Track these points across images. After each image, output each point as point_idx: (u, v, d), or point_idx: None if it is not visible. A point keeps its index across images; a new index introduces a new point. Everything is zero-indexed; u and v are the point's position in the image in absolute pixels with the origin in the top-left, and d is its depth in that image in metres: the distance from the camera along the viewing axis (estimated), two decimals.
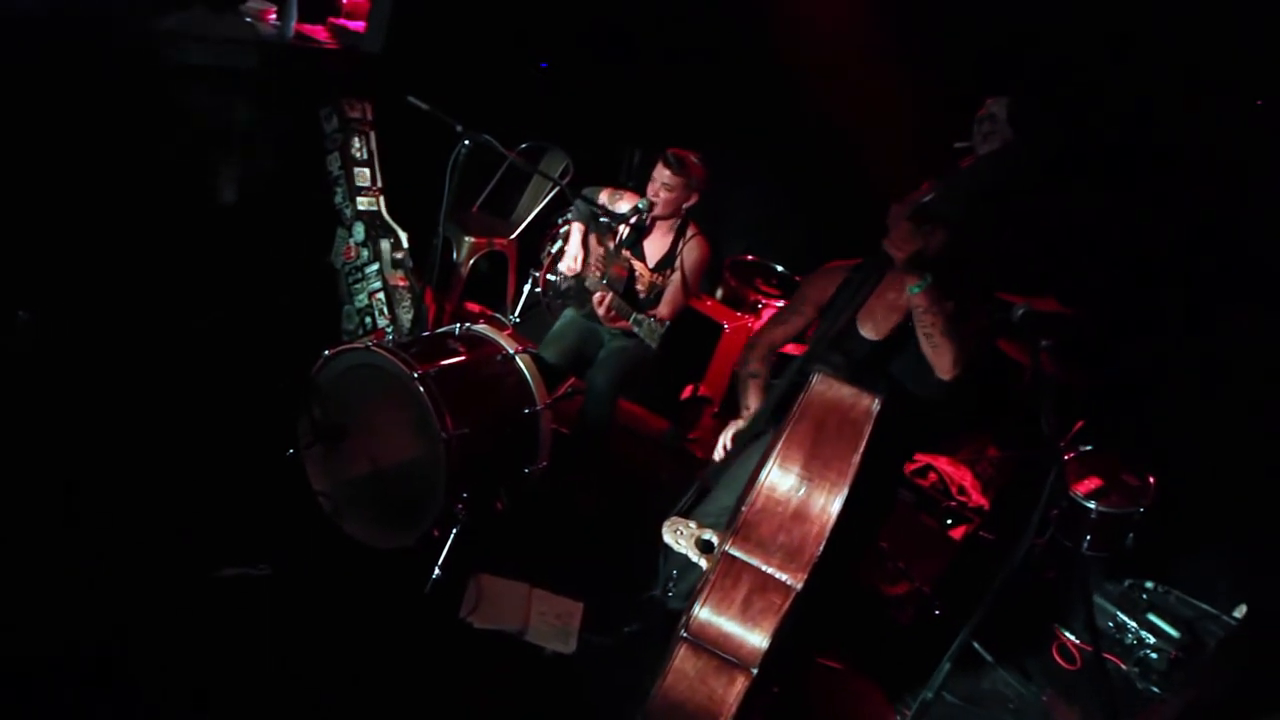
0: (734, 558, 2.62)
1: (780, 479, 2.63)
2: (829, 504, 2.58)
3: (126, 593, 3.12)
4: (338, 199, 4.97)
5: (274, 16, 5.23)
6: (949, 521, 5.23)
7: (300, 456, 3.77)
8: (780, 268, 6.38)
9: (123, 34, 4.13)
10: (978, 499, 5.35)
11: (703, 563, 2.73)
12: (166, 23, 4.32)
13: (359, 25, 5.55)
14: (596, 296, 4.08)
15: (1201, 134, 4.76)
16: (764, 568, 2.58)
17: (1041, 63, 4.96)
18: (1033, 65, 4.99)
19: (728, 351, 5.58)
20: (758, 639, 2.56)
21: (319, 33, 5.36)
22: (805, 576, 2.55)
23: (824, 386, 2.73)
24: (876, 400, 2.69)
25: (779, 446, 2.64)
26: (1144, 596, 4.60)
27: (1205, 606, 4.54)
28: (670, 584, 3.26)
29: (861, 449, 2.61)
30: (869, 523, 3.36)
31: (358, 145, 4.94)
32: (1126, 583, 4.65)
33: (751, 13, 6.19)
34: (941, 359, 2.99)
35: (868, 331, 3.17)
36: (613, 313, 4.06)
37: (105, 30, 4.04)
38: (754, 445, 3.17)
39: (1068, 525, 4.52)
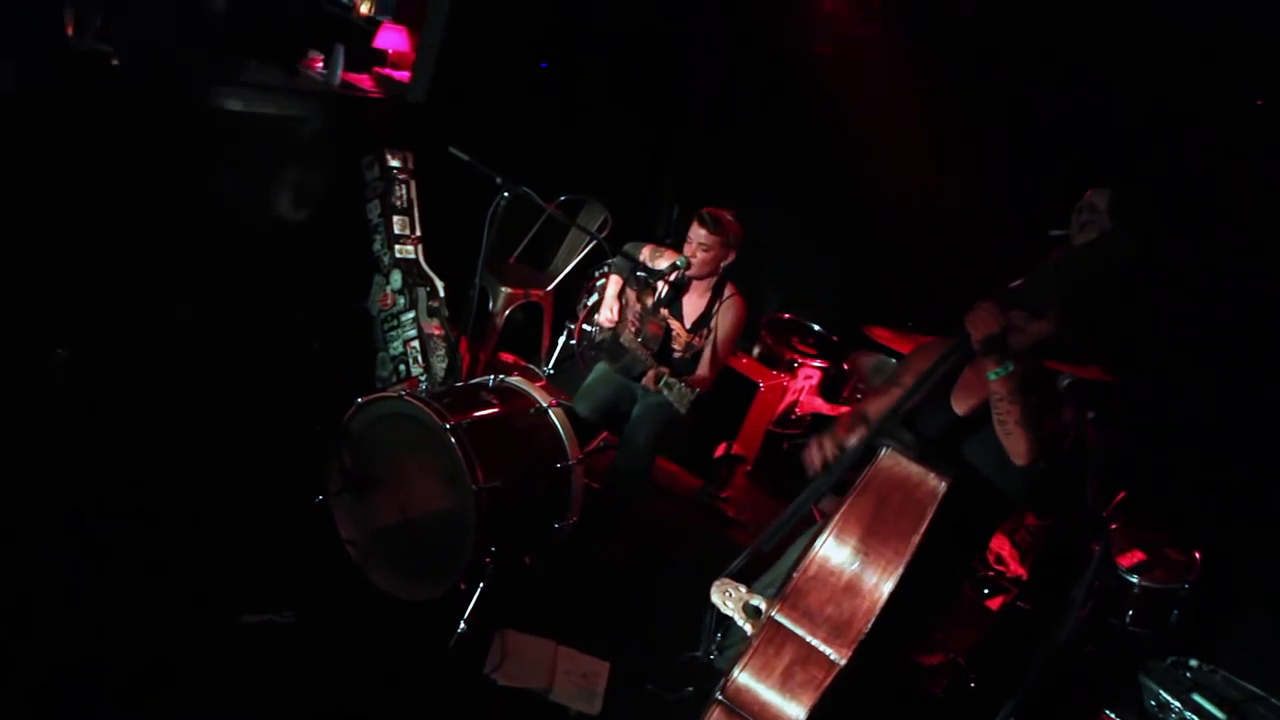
0: (779, 624, 2.56)
1: (835, 550, 2.57)
2: (882, 582, 2.52)
3: (151, 635, 3.09)
4: (376, 246, 4.99)
5: (321, 65, 5.31)
6: (986, 591, 5.10)
7: (329, 503, 3.74)
8: (817, 326, 6.32)
9: (170, 78, 4.19)
10: (1016, 568, 5.23)
11: (748, 628, 2.66)
12: (215, 68, 4.39)
13: (404, 75, 5.63)
14: (649, 376, 4.00)
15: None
16: (809, 638, 2.52)
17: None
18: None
19: (761, 410, 5.53)
20: (794, 712, 2.49)
21: (364, 81, 5.44)
22: (850, 654, 2.47)
23: (891, 462, 2.68)
24: (944, 482, 2.62)
25: (838, 517, 2.58)
26: (1188, 675, 4.43)
27: (1253, 688, 4.37)
28: (714, 646, 3.18)
29: (923, 530, 2.55)
30: (927, 611, 3.26)
31: (398, 193, 4.97)
32: (1170, 660, 4.49)
33: (792, 72, 6.23)
34: (1015, 445, 2.88)
35: (958, 405, 3.09)
36: (659, 385, 3.98)
37: (154, 74, 4.11)
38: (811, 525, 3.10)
39: (1110, 599, 4.39)
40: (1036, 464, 2.89)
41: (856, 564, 2.55)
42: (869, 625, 2.49)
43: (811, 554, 2.58)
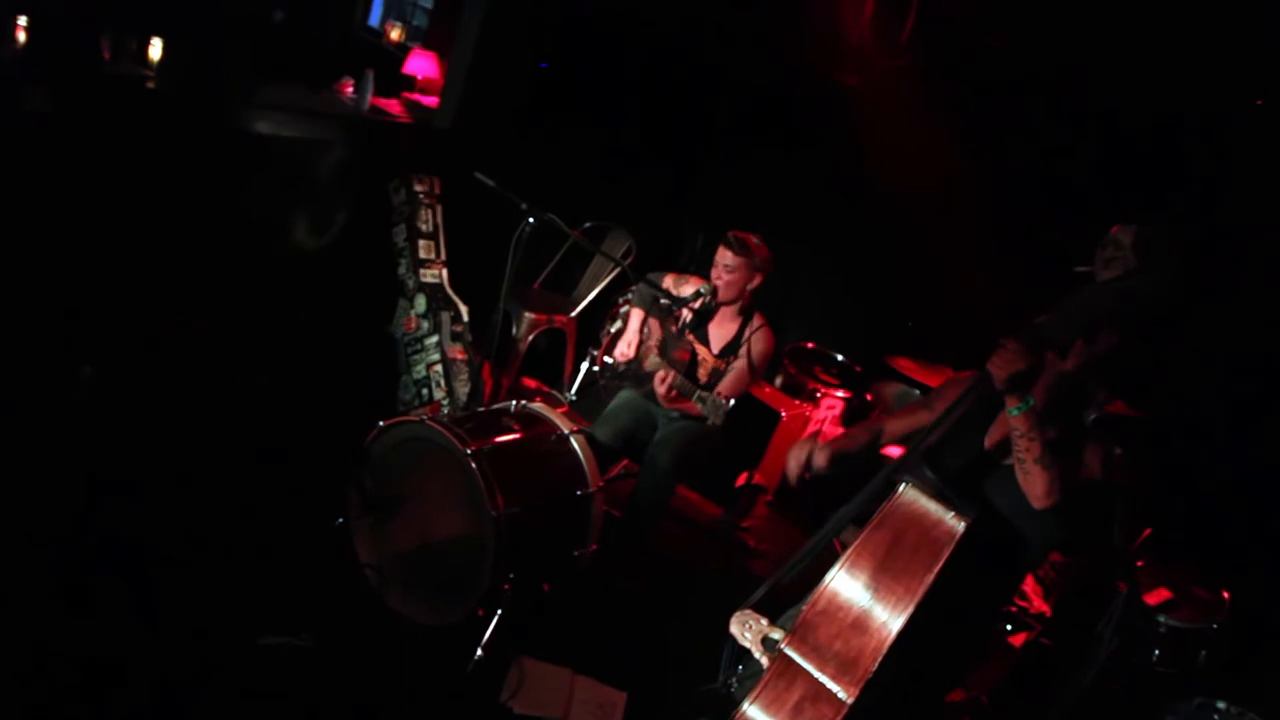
0: (790, 658, 2.52)
1: (846, 584, 2.53)
2: (891, 620, 2.47)
3: (169, 656, 3.09)
4: (401, 270, 5.02)
5: (351, 89, 5.37)
6: (1009, 627, 5.03)
7: (349, 527, 3.74)
8: (840, 356, 6.29)
9: (203, 101, 4.24)
10: (1039, 605, 5.16)
11: (764, 661, 2.63)
12: (246, 91, 4.45)
13: (432, 101, 5.68)
14: (659, 375, 4.02)
15: None
16: (817, 674, 2.48)
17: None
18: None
19: (784, 439, 5.49)
20: None
21: (393, 106, 5.49)
22: (857, 693, 2.43)
23: (910, 498, 2.63)
24: (963, 522, 2.57)
25: (850, 551, 2.55)
26: (1215, 717, 4.35)
27: None
28: (734, 678, 3.14)
29: (937, 569, 2.49)
30: (950, 653, 3.19)
31: (424, 218, 5.00)
32: (1197, 701, 4.40)
33: (819, 102, 6.23)
34: (1032, 487, 2.80)
35: (989, 443, 3.02)
36: (674, 392, 3.99)
37: (184, 95, 4.16)
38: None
39: (1136, 639, 4.32)
40: (1054, 507, 2.81)
41: (866, 600, 2.50)
42: (876, 664, 2.45)
43: (822, 586, 2.54)
